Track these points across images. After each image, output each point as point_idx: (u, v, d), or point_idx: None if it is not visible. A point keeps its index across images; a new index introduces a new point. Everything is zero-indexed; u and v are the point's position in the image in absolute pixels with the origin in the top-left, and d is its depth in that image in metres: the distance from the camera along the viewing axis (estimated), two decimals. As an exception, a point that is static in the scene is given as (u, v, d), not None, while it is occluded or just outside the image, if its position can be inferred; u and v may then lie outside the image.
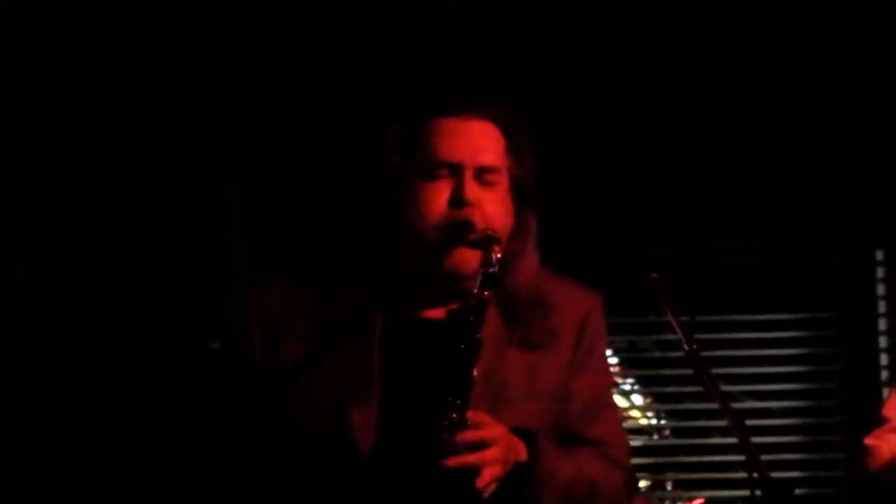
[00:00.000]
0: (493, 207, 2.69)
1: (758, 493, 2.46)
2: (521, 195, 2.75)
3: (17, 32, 4.39)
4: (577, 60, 4.60)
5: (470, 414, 2.54)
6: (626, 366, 5.00)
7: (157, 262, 4.42)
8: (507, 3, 4.57)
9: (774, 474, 2.49)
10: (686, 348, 2.66)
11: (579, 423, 2.74)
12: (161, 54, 4.45)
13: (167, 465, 4.18)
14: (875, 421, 3.25)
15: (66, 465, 4.27)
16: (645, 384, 5.03)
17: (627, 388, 5.04)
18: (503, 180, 2.72)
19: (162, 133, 4.46)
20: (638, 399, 5.05)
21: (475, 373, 2.55)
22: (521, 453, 2.62)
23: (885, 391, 4.78)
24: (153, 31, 4.43)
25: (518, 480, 2.60)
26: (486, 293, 2.60)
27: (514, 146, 2.75)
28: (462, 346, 2.56)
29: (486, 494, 2.54)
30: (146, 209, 4.43)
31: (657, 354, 4.89)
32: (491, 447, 2.54)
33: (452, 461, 2.50)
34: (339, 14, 4.55)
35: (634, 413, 5.05)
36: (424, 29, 4.52)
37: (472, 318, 2.58)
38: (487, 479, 2.54)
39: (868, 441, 3.19)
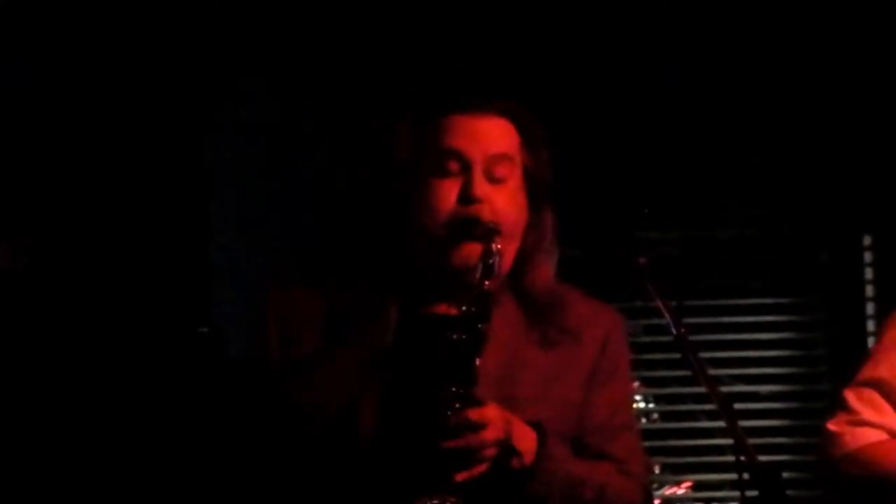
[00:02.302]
0: (503, 203, 2.68)
1: (746, 476, 2.47)
2: (536, 191, 2.74)
3: (17, 32, 4.40)
4: (573, 54, 4.61)
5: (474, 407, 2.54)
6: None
7: (143, 248, 4.43)
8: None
9: (762, 458, 2.50)
10: (674, 332, 2.66)
11: (597, 438, 2.74)
12: (154, 50, 4.46)
13: (159, 451, 4.18)
14: (837, 402, 3.23)
15: (55, 447, 4.26)
16: (633, 368, 5.01)
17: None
18: (516, 175, 2.71)
19: (148, 124, 4.47)
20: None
21: (478, 363, 2.55)
22: (529, 441, 2.61)
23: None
24: (150, 29, 4.45)
25: (526, 471, 2.60)
26: (486, 283, 2.60)
27: (528, 141, 2.74)
28: (464, 337, 2.56)
29: (476, 472, 2.54)
30: (134, 198, 4.44)
31: (645, 339, 4.89)
32: (487, 428, 2.53)
33: (450, 443, 2.50)
34: (335, 13, 4.55)
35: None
36: (423, 30, 4.51)
37: (474, 310, 2.57)
38: (484, 460, 2.54)
39: (831, 427, 3.17)
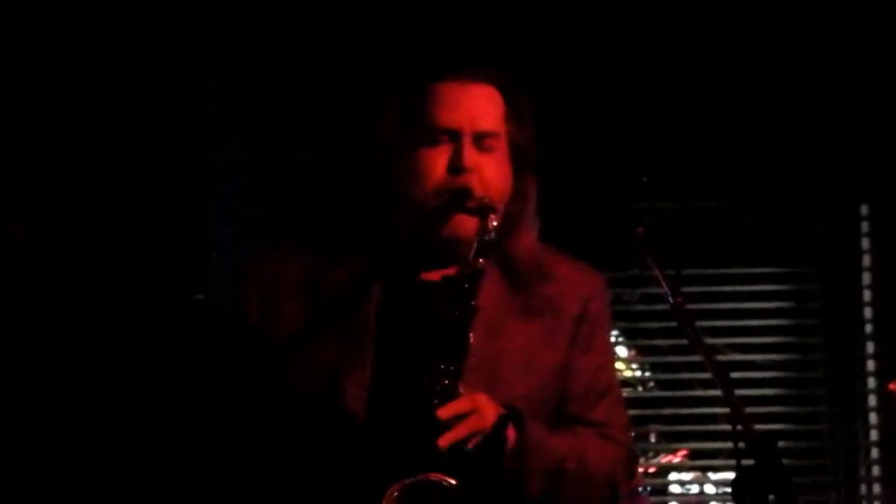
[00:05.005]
0: (491, 173, 2.67)
1: (741, 445, 2.47)
2: (521, 160, 2.73)
3: (17, 30, 4.40)
4: (571, 27, 4.60)
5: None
6: (611, 318, 5.00)
7: (143, 248, 4.43)
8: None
9: (758, 427, 2.50)
10: (671, 301, 2.66)
11: (580, 404, 2.73)
12: (155, 48, 4.47)
13: (155, 423, 4.19)
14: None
15: (51, 422, 4.27)
16: (629, 337, 5.04)
17: (612, 340, 5.05)
18: (502, 145, 2.71)
19: (149, 123, 4.48)
20: (622, 351, 5.07)
21: (471, 340, 2.54)
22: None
23: (870, 345, 4.81)
24: (151, 27, 4.45)
25: (501, 450, 2.59)
26: (480, 261, 2.59)
27: (514, 111, 2.73)
28: (456, 313, 2.55)
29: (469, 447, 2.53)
30: (134, 198, 4.45)
31: (641, 307, 4.89)
32: (474, 415, 2.53)
33: (445, 441, 2.48)
34: (336, 13, 4.54)
35: (619, 365, 5.07)
36: (425, 28, 4.50)
37: (466, 286, 2.57)
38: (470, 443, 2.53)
39: (893, 386, 3.21)
